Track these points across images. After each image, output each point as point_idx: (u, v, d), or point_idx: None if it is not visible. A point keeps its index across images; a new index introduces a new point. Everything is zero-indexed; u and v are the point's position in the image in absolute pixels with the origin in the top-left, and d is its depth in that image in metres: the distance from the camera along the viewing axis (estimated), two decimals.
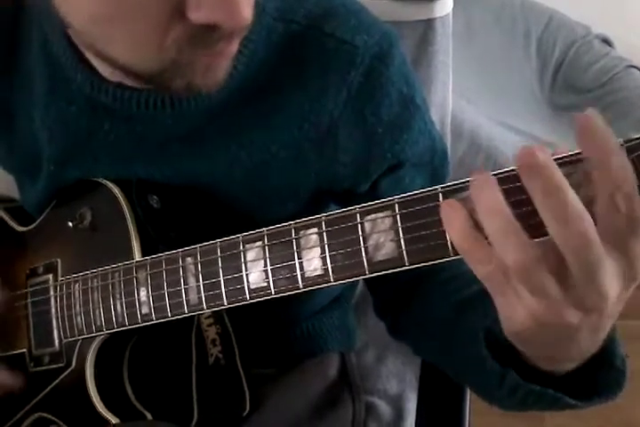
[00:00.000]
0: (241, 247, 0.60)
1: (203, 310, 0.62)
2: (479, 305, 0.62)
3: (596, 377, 0.54)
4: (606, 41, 1.84)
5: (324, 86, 0.69)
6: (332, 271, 0.55)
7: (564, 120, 1.76)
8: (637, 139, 0.43)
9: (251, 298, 0.59)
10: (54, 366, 0.74)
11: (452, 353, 0.67)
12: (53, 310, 0.74)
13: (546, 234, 0.44)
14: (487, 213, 0.45)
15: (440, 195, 0.50)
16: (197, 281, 0.62)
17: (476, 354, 0.58)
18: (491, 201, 0.45)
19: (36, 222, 0.81)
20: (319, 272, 0.56)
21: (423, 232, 0.50)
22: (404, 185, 0.73)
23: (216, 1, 0.52)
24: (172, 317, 0.64)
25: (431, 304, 0.72)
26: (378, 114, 0.70)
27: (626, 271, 0.45)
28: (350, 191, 0.74)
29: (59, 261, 0.76)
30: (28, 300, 0.77)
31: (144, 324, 0.66)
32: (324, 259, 0.55)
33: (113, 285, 0.68)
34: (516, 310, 0.47)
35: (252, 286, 0.59)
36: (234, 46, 0.59)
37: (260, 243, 0.59)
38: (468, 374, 0.64)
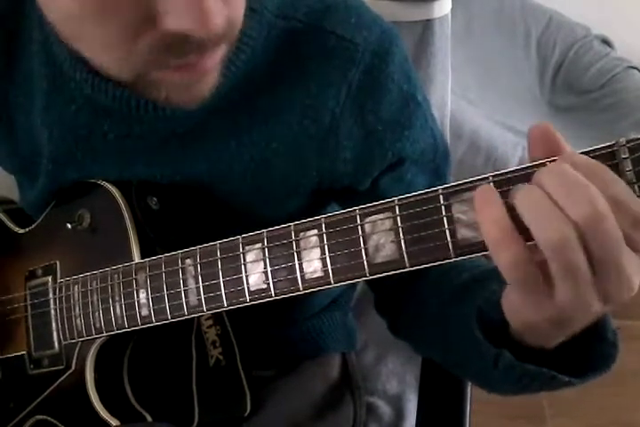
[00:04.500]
0: (241, 249, 0.60)
1: (202, 311, 0.62)
2: (469, 292, 0.63)
3: (589, 352, 0.54)
4: (606, 42, 1.85)
5: (324, 83, 0.69)
6: (332, 273, 0.55)
7: (564, 121, 1.76)
8: (639, 139, 0.43)
9: (251, 300, 0.59)
10: (54, 368, 0.74)
11: (448, 344, 0.67)
12: (53, 313, 0.74)
13: None
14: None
15: (441, 196, 0.50)
16: (197, 283, 0.62)
17: (470, 339, 0.58)
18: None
19: (35, 224, 0.81)
20: (319, 274, 0.55)
21: (424, 233, 0.50)
22: (405, 183, 0.73)
23: (184, 8, 0.51)
24: (171, 319, 0.64)
25: (425, 300, 0.72)
26: (378, 111, 0.70)
27: None
28: (351, 189, 0.74)
29: (58, 262, 0.76)
30: (27, 302, 0.77)
31: (144, 326, 0.66)
32: (324, 261, 0.55)
33: (112, 287, 0.68)
34: (544, 306, 0.47)
35: (252, 288, 0.59)
36: (210, 61, 0.58)
37: (259, 244, 0.59)
38: (464, 361, 0.64)
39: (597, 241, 0.43)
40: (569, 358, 0.54)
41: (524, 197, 0.45)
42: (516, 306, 0.51)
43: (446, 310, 0.67)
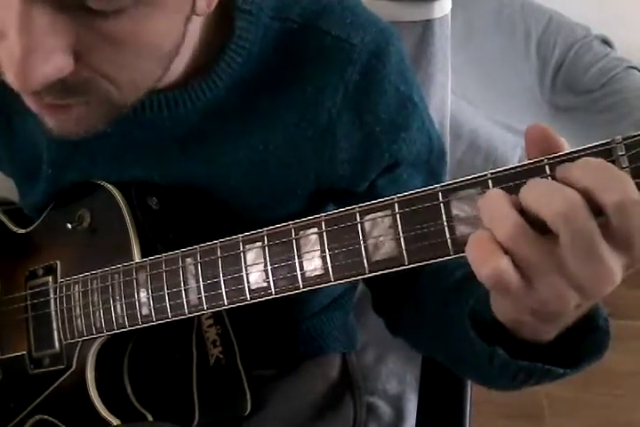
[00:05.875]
0: (241, 248, 0.60)
1: (203, 310, 0.62)
2: (462, 291, 0.63)
3: (582, 340, 0.54)
4: (606, 42, 1.84)
5: (321, 84, 0.69)
6: (332, 271, 0.55)
7: (564, 121, 1.76)
8: (635, 136, 0.43)
9: (251, 298, 0.59)
10: (54, 368, 0.74)
11: (445, 343, 0.67)
12: (53, 312, 0.74)
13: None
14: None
15: (439, 193, 0.50)
16: (197, 282, 0.62)
17: (465, 338, 0.58)
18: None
19: (35, 224, 0.81)
20: (319, 272, 0.56)
21: (423, 231, 0.50)
22: (400, 183, 0.73)
23: (7, 50, 0.48)
24: (172, 318, 0.64)
25: (421, 299, 0.72)
26: (375, 112, 0.70)
27: (628, 261, 0.45)
28: (348, 191, 0.74)
29: (58, 262, 0.76)
30: (28, 302, 0.77)
31: (144, 325, 0.66)
32: (323, 258, 0.55)
33: (113, 286, 0.68)
34: (525, 303, 0.47)
35: (253, 287, 0.59)
36: (62, 113, 0.55)
37: (259, 243, 0.59)
38: (462, 360, 0.64)
39: (572, 237, 0.43)
40: (563, 348, 0.54)
41: (527, 193, 0.45)
42: (501, 306, 0.51)
43: (441, 310, 0.67)
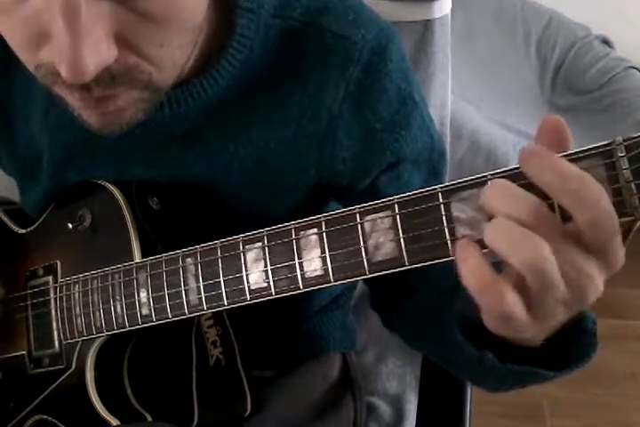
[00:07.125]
0: (241, 248, 0.60)
1: (203, 310, 0.62)
2: (455, 295, 0.63)
3: (571, 343, 0.55)
4: (606, 42, 1.84)
5: (322, 82, 0.69)
6: (332, 271, 0.55)
7: (564, 121, 1.76)
8: (635, 137, 0.43)
9: (251, 298, 0.59)
10: (54, 367, 0.74)
11: (438, 344, 0.67)
12: (53, 312, 0.74)
13: None
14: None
15: (439, 194, 0.50)
16: (197, 282, 0.62)
17: (454, 340, 0.59)
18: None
19: (36, 224, 0.81)
20: (319, 272, 0.56)
21: (423, 231, 0.50)
22: (402, 182, 0.73)
23: (56, 43, 0.49)
24: (172, 318, 0.64)
25: (417, 296, 0.73)
26: (376, 110, 0.70)
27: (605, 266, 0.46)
28: (349, 188, 0.74)
29: (58, 262, 0.76)
30: (28, 302, 0.77)
31: (144, 325, 0.66)
32: (323, 259, 0.55)
33: (113, 286, 0.68)
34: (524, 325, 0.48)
35: (253, 287, 0.59)
36: (111, 103, 0.56)
37: (260, 243, 0.59)
38: (452, 361, 0.65)
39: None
40: (552, 350, 0.55)
41: (492, 231, 0.46)
42: (493, 324, 0.51)
43: (434, 311, 0.67)
